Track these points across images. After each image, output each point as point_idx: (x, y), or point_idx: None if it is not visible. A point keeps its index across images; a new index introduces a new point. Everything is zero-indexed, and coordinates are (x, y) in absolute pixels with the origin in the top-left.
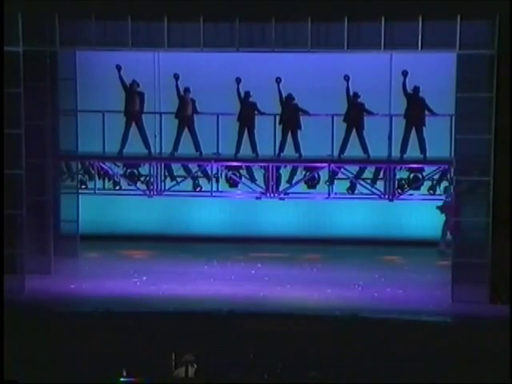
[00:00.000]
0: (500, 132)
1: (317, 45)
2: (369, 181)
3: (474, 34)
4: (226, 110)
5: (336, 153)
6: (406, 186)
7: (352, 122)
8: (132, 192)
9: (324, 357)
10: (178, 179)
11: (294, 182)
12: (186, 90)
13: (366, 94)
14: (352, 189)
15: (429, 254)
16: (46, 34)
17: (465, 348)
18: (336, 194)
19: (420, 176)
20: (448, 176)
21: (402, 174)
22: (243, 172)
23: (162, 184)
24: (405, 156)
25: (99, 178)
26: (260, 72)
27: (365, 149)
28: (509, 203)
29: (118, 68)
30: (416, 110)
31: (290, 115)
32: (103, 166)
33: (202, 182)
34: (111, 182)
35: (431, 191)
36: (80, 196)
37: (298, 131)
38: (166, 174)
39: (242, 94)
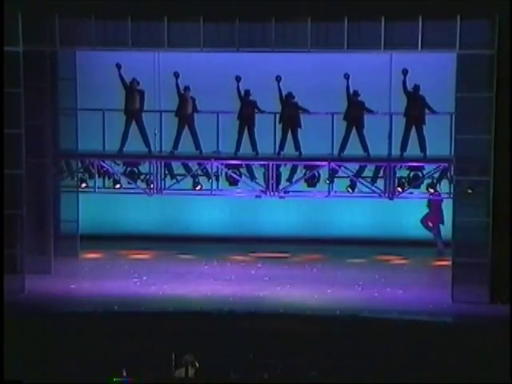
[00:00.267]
0: (500, 132)
1: (317, 45)
2: (369, 179)
3: (473, 34)
4: (226, 109)
5: (336, 151)
6: (406, 184)
7: (352, 121)
8: (132, 190)
9: (324, 357)
10: (178, 177)
11: (294, 180)
12: (186, 88)
13: (366, 93)
14: (352, 187)
15: (429, 254)
16: (46, 34)
17: (465, 348)
18: (336, 192)
19: (420, 174)
20: (448, 174)
21: (402, 173)
22: (243, 170)
23: (162, 182)
24: (405, 154)
25: (99, 177)
26: (260, 70)
27: (365, 147)
28: (509, 203)
29: (118, 66)
30: (416, 108)
31: (290, 113)
32: (103, 164)
33: (202, 180)
34: (111, 180)
35: (431, 189)
36: (80, 196)
37: (298, 129)
38: (166, 172)
39: (242, 93)
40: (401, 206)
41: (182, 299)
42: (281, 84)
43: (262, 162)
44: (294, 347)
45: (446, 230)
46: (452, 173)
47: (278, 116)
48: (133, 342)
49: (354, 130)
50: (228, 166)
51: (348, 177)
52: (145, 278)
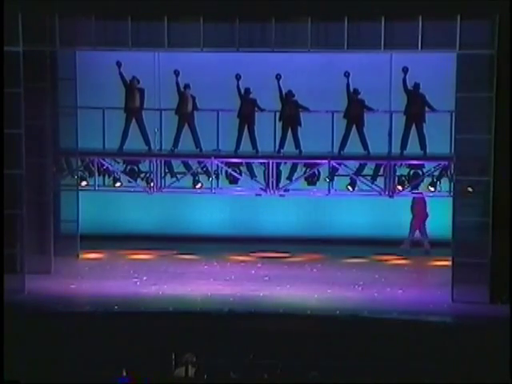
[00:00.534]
0: (500, 132)
1: (317, 45)
2: (369, 177)
3: (473, 34)
4: (226, 107)
5: (336, 149)
6: (406, 182)
7: (352, 119)
8: (132, 189)
9: (324, 357)
10: (178, 176)
11: (294, 178)
12: (186, 86)
13: (366, 91)
14: (352, 185)
15: (429, 254)
16: (46, 34)
17: (465, 348)
18: (336, 190)
19: (420, 172)
20: (448, 172)
21: (402, 171)
22: (243, 168)
23: (162, 181)
24: (405, 152)
25: (99, 175)
26: (260, 68)
27: (365, 145)
28: (509, 203)
29: (118, 64)
30: (416, 106)
31: (290, 112)
32: (103, 162)
33: (202, 178)
34: (111, 178)
35: (431, 188)
36: (80, 196)
37: (298, 128)
38: (166, 170)
39: (242, 91)
40: (401, 206)
41: (182, 299)
42: (281, 82)
43: (262, 160)
44: (294, 347)
45: (446, 229)
46: (452, 171)
47: (278, 114)
48: (133, 342)
49: (354, 128)
50: (228, 164)
51: (348, 175)
52: (145, 278)
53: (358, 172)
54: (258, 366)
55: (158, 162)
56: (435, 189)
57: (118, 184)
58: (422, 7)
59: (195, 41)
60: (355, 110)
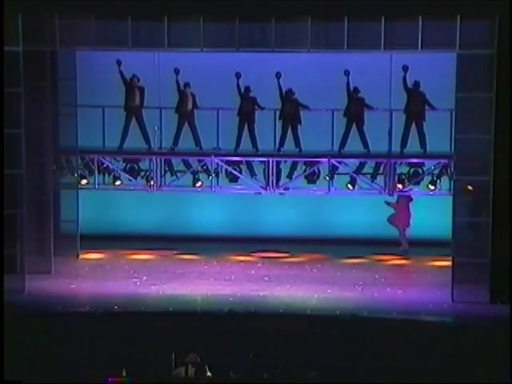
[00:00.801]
0: (500, 132)
1: (316, 45)
2: (369, 176)
3: (473, 34)
4: (226, 105)
5: (336, 148)
6: (406, 180)
7: (352, 117)
8: (132, 187)
9: (324, 357)
10: (178, 174)
11: (294, 176)
12: (186, 84)
13: (367, 89)
14: (352, 184)
15: (429, 254)
16: (46, 34)
17: (465, 348)
18: (336, 188)
19: (420, 171)
20: (448, 171)
21: (403, 169)
22: (243, 167)
23: (162, 179)
24: (405, 151)
25: (99, 173)
26: (260, 67)
27: (365, 144)
28: (509, 203)
29: (118, 63)
30: (416, 104)
31: (291, 110)
32: (103, 160)
33: (202, 177)
34: (111, 176)
35: (432, 186)
36: (80, 196)
37: (298, 126)
38: (166, 168)
39: (242, 89)
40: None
41: (182, 299)
42: (281, 80)
43: (262, 159)
44: (294, 347)
45: (445, 229)
46: (452, 169)
47: (278, 112)
48: (133, 342)
49: (354, 127)
50: (228, 163)
51: (348, 173)
52: (145, 278)
53: (358, 170)
54: (258, 366)
55: (158, 160)
56: (435, 187)
57: (118, 182)
58: (422, 7)
59: (195, 41)
60: (355, 109)
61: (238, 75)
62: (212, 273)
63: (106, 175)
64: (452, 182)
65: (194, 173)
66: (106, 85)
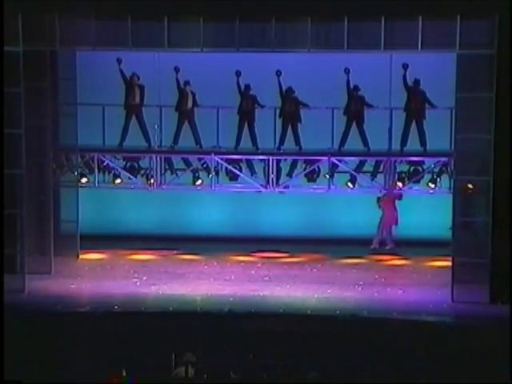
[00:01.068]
0: (500, 132)
1: (317, 45)
2: (369, 174)
3: (473, 34)
4: (226, 103)
5: (336, 146)
6: (406, 178)
7: (352, 115)
8: (132, 185)
9: (324, 357)
10: (178, 172)
11: (294, 175)
12: (186, 82)
13: (367, 87)
14: (352, 182)
15: (429, 254)
16: (46, 34)
17: (465, 348)
18: (336, 187)
19: (420, 169)
20: (448, 169)
21: (402, 167)
22: (243, 165)
23: (162, 177)
24: (405, 149)
25: (99, 172)
26: (260, 65)
27: (365, 142)
28: (509, 203)
29: (119, 61)
30: (416, 103)
31: (291, 108)
32: (103, 159)
33: (202, 175)
34: (111, 175)
35: (432, 185)
36: (80, 196)
37: (299, 124)
38: (166, 167)
39: (242, 87)
40: (400, 206)
41: (182, 299)
42: (281, 79)
43: (262, 157)
44: (294, 347)
45: (444, 229)
46: (452, 167)
47: (278, 111)
48: (133, 342)
49: (354, 125)
50: (228, 161)
51: (348, 172)
52: (145, 278)
53: (358, 168)
54: (258, 366)
55: (158, 158)
56: (435, 185)
57: (118, 181)
58: (422, 7)
59: (195, 41)
60: (355, 107)
61: (238, 73)
62: (212, 273)
63: (106, 173)
64: (452, 181)
65: (194, 171)
66: (106, 83)
